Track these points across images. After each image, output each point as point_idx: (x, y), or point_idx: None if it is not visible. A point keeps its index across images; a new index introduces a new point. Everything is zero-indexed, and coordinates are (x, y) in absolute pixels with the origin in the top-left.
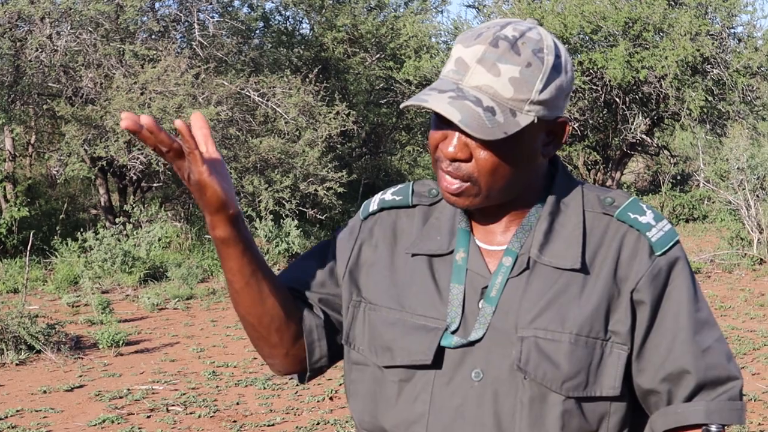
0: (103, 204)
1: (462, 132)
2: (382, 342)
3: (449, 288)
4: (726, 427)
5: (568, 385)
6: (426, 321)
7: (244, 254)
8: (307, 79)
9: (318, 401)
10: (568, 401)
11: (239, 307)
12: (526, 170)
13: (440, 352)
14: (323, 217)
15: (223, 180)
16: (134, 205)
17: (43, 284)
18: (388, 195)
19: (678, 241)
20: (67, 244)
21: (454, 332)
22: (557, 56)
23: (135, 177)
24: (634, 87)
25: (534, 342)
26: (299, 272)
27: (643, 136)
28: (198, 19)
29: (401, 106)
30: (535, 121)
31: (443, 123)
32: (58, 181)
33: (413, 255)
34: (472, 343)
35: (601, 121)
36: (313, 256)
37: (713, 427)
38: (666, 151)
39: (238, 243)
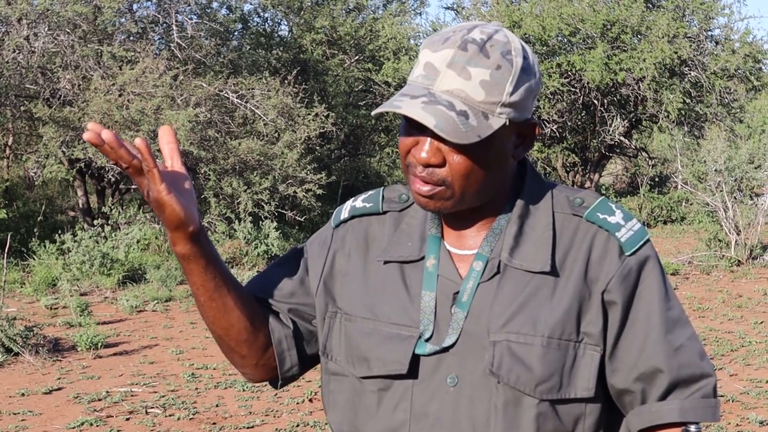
0: (81, 206)
1: (435, 137)
2: (359, 352)
3: (421, 295)
4: (701, 425)
5: (542, 388)
6: (399, 330)
7: (206, 270)
8: (286, 81)
9: (297, 403)
10: (543, 404)
11: (206, 319)
12: (498, 173)
13: (415, 360)
14: (302, 219)
15: (184, 197)
16: (112, 207)
17: (21, 286)
18: (358, 202)
19: (648, 240)
20: (45, 246)
21: (427, 340)
22: (525, 58)
23: (113, 179)
24: (613, 89)
25: (506, 346)
26: (268, 282)
27: (622, 138)
28: (176, 21)
29: (373, 113)
30: (507, 123)
31: (414, 128)
32: (36, 183)
33: (385, 262)
34: (445, 349)
35: (579, 123)
36: (283, 265)
37: (692, 428)
38: (644, 153)
39: (199, 259)
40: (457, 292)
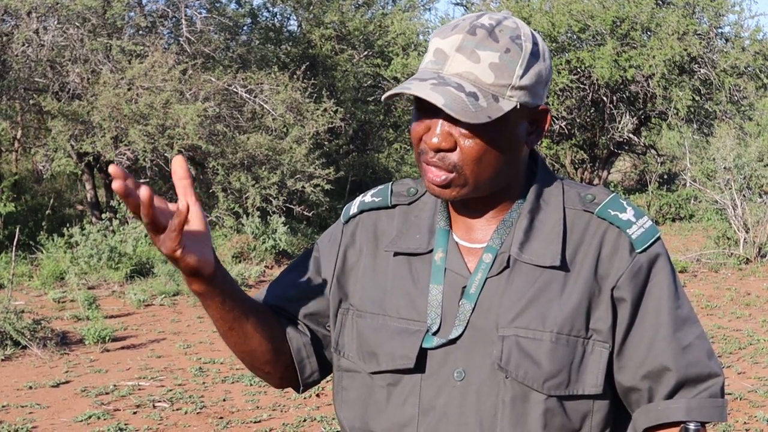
0: (89, 200)
1: (446, 119)
2: (368, 348)
3: (428, 289)
4: (707, 425)
5: (550, 383)
6: (407, 324)
7: (224, 304)
8: (295, 76)
9: (304, 398)
10: (550, 400)
11: (228, 345)
12: (511, 159)
13: (423, 354)
14: (310, 214)
15: (199, 242)
16: (121, 201)
17: (29, 280)
18: (367, 197)
19: (659, 238)
20: (53, 240)
21: (435, 334)
22: (534, 43)
23: None
24: (622, 86)
25: (515, 341)
26: (282, 289)
27: (630, 135)
28: (185, 15)
29: (383, 97)
30: (518, 106)
31: (425, 114)
32: (45, 177)
33: (394, 254)
34: (452, 342)
35: (588, 120)
36: (295, 270)
37: (691, 425)
38: (653, 151)
39: (216, 296)
40: (465, 286)
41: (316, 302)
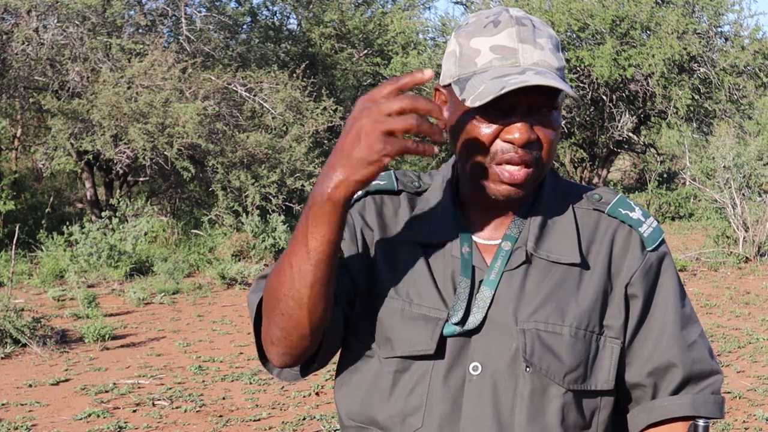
0: (89, 198)
1: (525, 112)
2: (383, 332)
3: (454, 280)
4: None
5: (570, 377)
6: (426, 311)
7: (342, 227)
8: (295, 75)
9: (304, 396)
10: (568, 394)
11: (300, 288)
12: None
13: (441, 342)
14: None
15: None
16: (120, 199)
17: (29, 278)
18: None
19: (664, 238)
20: (52, 238)
21: (455, 324)
22: None
23: (121, 171)
24: (621, 85)
25: (536, 334)
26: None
27: (630, 134)
28: (185, 14)
29: (487, 100)
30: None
31: (498, 115)
32: (44, 175)
33: (406, 243)
34: (472, 332)
35: (587, 118)
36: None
37: (701, 422)
38: (652, 149)
39: (345, 209)
40: (482, 280)
41: (347, 284)
